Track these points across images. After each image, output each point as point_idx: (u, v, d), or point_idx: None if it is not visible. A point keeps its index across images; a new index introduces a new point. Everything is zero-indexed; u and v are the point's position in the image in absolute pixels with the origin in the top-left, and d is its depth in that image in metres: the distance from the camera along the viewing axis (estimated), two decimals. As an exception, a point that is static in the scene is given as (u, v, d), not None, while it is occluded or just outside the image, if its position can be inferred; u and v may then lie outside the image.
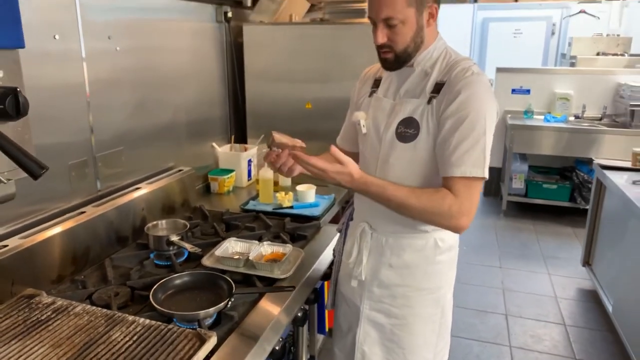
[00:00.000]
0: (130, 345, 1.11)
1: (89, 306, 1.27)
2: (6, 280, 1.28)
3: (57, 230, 1.46)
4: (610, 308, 2.82)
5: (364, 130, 1.40)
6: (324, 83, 2.34)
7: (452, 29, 7.49)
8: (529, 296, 3.27)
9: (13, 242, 1.34)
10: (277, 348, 1.32)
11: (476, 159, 1.18)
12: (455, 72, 1.24)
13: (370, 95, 1.44)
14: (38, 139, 1.18)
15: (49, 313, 1.23)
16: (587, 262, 3.36)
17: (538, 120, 4.72)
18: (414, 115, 1.27)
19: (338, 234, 1.60)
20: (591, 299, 3.21)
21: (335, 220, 2.04)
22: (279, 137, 1.31)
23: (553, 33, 7.16)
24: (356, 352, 1.43)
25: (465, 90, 1.19)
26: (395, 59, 1.28)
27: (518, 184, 4.68)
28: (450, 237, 1.38)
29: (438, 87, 1.25)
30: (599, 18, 6.46)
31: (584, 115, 4.71)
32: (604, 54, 5.26)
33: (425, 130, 1.26)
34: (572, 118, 4.72)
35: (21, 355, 1.07)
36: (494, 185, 5.28)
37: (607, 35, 5.89)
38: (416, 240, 1.35)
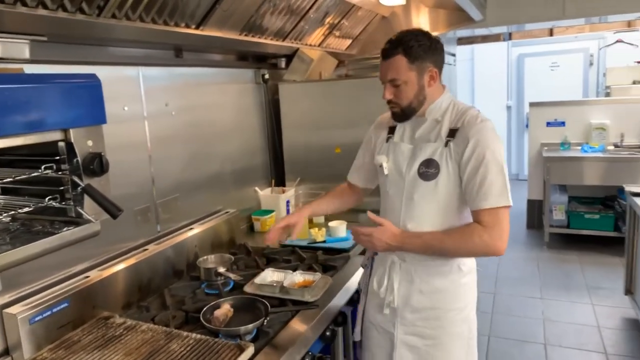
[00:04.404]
0: (184, 354, 1.37)
1: (152, 325, 1.55)
2: (88, 305, 1.58)
3: (126, 265, 1.77)
4: (651, 335, 2.81)
5: (386, 172, 1.60)
6: (351, 129, 2.60)
7: (488, 67, 7.64)
8: (569, 326, 3.28)
9: (93, 274, 1.65)
10: (306, 360, 1.54)
11: (500, 190, 1.39)
12: (467, 119, 1.47)
13: (387, 140, 1.65)
14: (112, 190, 1.50)
15: (121, 330, 1.52)
16: (629, 290, 3.34)
17: (575, 151, 4.76)
18: (434, 157, 1.49)
19: (362, 269, 1.77)
20: (636, 328, 3.18)
21: (364, 252, 2.24)
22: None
23: (591, 64, 7.14)
24: None
25: (478, 135, 1.42)
26: (402, 113, 1.53)
27: (559, 216, 4.68)
28: (470, 261, 1.57)
29: (452, 132, 1.48)
30: (637, 46, 6.45)
31: (623, 144, 4.71)
32: (640, 82, 5.27)
33: (445, 170, 1.47)
34: (611, 147, 4.72)
35: (101, 361, 1.36)
36: (536, 218, 5.28)
37: (649, 62, 5.87)
38: (442, 267, 1.53)
